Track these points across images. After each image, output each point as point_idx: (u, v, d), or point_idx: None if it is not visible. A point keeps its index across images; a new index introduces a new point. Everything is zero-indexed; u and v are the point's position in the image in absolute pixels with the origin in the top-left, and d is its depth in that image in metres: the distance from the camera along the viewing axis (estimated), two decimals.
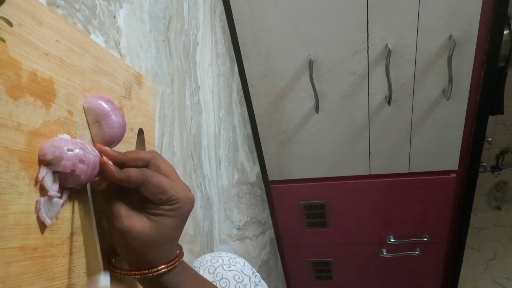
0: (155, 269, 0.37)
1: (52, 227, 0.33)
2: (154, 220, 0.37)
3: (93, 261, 0.35)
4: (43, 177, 0.31)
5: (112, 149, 0.39)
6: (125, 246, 0.37)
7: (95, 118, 0.39)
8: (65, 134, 0.34)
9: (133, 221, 0.36)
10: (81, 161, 0.33)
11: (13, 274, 0.29)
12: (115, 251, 0.42)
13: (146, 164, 0.39)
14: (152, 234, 0.37)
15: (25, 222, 0.30)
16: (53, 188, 0.32)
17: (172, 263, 0.39)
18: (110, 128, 0.39)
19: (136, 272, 0.38)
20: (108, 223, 0.38)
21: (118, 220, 0.36)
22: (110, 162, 0.37)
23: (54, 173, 0.32)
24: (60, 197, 0.33)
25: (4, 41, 0.28)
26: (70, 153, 0.32)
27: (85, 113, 0.38)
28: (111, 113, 0.39)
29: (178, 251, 0.42)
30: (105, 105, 0.39)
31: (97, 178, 0.37)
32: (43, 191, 0.31)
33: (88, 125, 0.39)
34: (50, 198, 0.32)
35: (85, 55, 0.38)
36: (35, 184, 0.31)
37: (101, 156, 0.37)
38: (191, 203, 0.40)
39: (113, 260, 0.41)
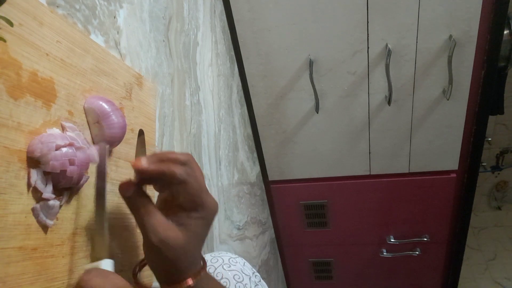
0: (184, 284, 0.37)
1: (52, 227, 0.33)
2: (185, 228, 0.37)
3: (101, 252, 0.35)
4: (35, 181, 0.31)
5: (145, 159, 0.37)
6: (159, 258, 0.36)
7: (95, 119, 0.39)
8: (54, 129, 0.34)
9: (168, 232, 0.35)
10: (71, 161, 0.33)
11: (13, 274, 0.29)
12: (138, 264, 0.42)
13: (183, 166, 0.38)
14: (185, 244, 0.36)
15: (25, 222, 0.30)
16: (47, 190, 0.32)
17: (197, 275, 0.39)
18: (110, 129, 0.39)
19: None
20: (142, 233, 0.36)
21: (153, 233, 0.35)
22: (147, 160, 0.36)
23: (47, 174, 0.32)
24: (58, 198, 0.33)
25: (4, 41, 0.28)
26: (58, 152, 0.32)
27: (85, 113, 0.38)
28: (111, 113, 0.39)
29: (202, 262, 0.41)
30: (105, 106, 0.39)
31: (125, 181, 0.36)
32: (36, 194, 0.31)
33: (89, 126, 0.39)
34: (46, 200, 0.32)
35: (85, 55, 0.38)
36: (28, 189, 0.30)
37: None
38: (217, 210, 0.40)
39: (138, 274, 0.41)
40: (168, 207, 0.38)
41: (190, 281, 0.37)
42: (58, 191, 0.34)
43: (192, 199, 0.37)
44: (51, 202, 0.32)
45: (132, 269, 0.42)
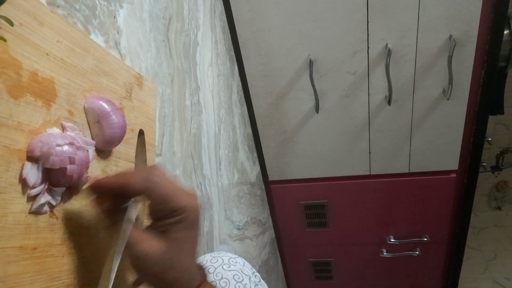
0: None
1: (52, 227, 0.33)
2: (165, 238, 0.35)
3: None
4: (27, 174, 0.30)
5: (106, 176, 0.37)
6: (144, 272, 0.35)
7: (95, 118, 0.39)
8: (54, 128, 0.34)
9: (145, 245, 0.34)
10: (71, 160, 0.33)
11: (13, 273, 0.29)
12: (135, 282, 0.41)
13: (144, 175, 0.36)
14: (168, 254, 0.34)
15: (25, 222, 0.30)
16: (35, 184, 0.31)
17: None
18: (110, 129, 0.39)
19: None
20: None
21: (130, 248, 0.34)
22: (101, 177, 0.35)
23: (45, 173, 0.32)
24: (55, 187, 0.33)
25: (5, 40, 0.28)
26: (58, 148, 0.32)
27: (85, 113, 0.38)
28: (111, 113, 0.39)
29: (201, 277, 0.39)
30: (105, 106, 0.39)
31: (96, 198, 0.35)
32: (25, 187, 0.31)
33: (89, 125, 0.39)
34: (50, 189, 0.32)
35: (86, 55, 0.38)
36: (19, 181, 0.30)
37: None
38: (197, 209, 0.37)
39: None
40: (151, 219, 0.37)
41: None
42: (58, 191, 0.34)
43: (162, 207, 0.35)
44: (42, 199, 0.32)
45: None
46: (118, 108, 0.41)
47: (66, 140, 0.33)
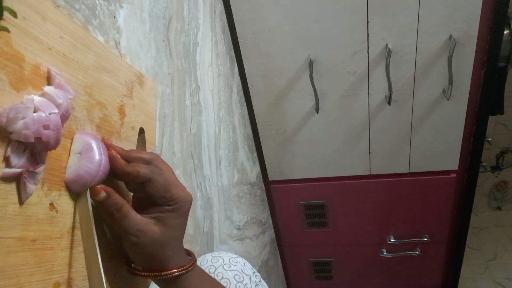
0: (168, 272, 0.40)
1: (51, 220, 0.33)
2: (161, 222, 0.39)
3: (94, 269, 0.36)
4: (11, 152, 0.29)
5: (116, 145, 0.41)
6: (138, 253, 0.39)
7: (79, 149, 0.37)
8: (32, 95, 0.31)
9: (144, 229, 0.38)
10: (46, 126, 0.31)
11: (12, 264, 0.29)
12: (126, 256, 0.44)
13: (147, 164, 0.40)
14: (162, 237, 0.39)
15: (25, 213, 0.30)
16: (16, 165, 0.30)
17: (187, 267, 0.41)
18: (88, 162, 0.37)
19: (154, 274, 0.40)
20: (120, 234, 0.38)
21: (129, 232, 0.37)
22: (119, 156, 0.39)
23: (21, 144, 0.30)
24: (34, 168, 0.32)
25: (8, 31, 0.28)
26: (28, 120, 0.29)
27: (72, 141, 0.37)
28: (96, 149, 0.37)
29: (191, 257, 0.44)
30: (93, 141, 0.37)
31: (98, 186, 0.36)
32: (8, 164, 0.29)
33: (69, 155, 0.37)
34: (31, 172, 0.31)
35: (88, 52, 0.39)
36: (3, 160, 0.29)
37: (109, 150, 0.39)
38: (190, 201, 0.42)
39: (133, 264, 0.43)
40: (143, 205, 0.40)
41: (174, 271, 0.40)
42: (35, 157, 0.32)
43: (160, 195, 0.39)
44: (29, 186, 0.31)
45: (124, 261, 0.43)
46: (105, 148, 0.39)
47: (40, 107, 0.31)
